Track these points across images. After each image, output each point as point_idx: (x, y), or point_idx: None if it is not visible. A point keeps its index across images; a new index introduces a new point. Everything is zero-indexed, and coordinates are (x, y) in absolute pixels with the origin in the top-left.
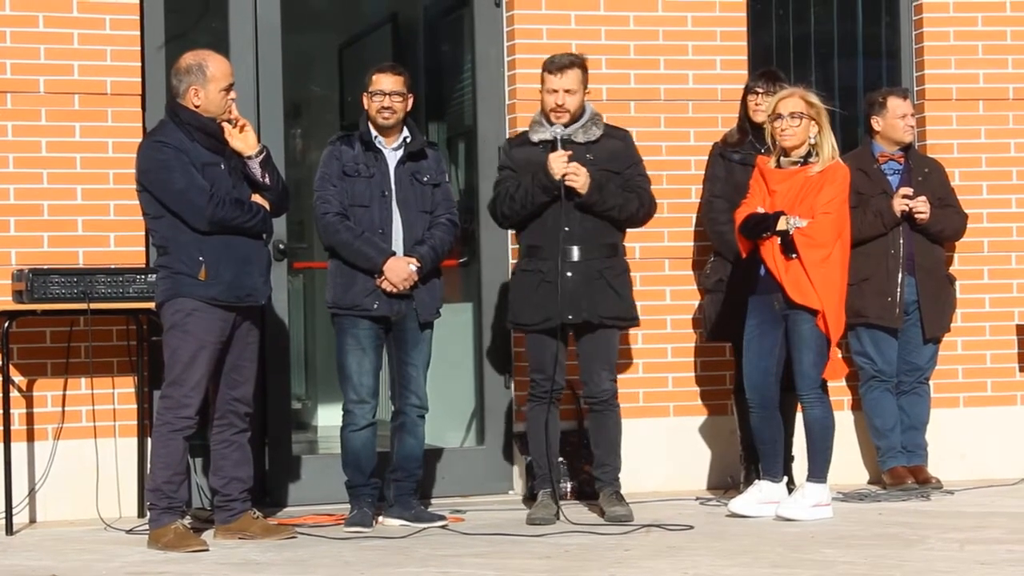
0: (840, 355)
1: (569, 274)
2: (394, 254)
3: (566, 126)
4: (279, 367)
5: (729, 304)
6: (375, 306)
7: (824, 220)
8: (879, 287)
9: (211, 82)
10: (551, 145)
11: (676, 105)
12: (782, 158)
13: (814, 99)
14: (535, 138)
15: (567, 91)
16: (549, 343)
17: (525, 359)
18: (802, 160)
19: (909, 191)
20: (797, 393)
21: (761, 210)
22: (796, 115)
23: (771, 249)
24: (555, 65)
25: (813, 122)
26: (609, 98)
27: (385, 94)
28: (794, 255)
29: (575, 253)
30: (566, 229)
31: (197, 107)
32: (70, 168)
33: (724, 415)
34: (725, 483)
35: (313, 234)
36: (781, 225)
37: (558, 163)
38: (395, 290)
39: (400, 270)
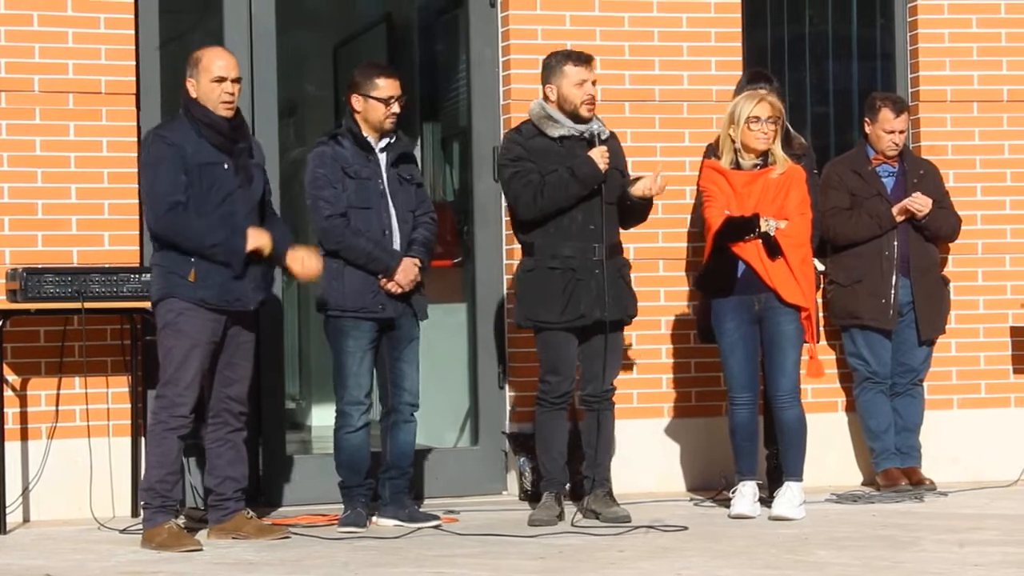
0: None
1: (596, 271)
2: (402, 256)
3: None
4: (273, 367)
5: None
6: (381, 308)
7: (803, 221)
8: (873, 288)
9: (203, 73)
10: (590, 141)
11: (671, 106)
12: (740, 160)
13: (779, 103)
14: (554, 133)
15: (594, 82)
16: (566, 342)
17: (520, 359)
18: (761, 163)
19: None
20: (776, 393)
21: (728, 212)
22: (773, 119)
23: (755, 251)
24: (583, 58)
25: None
26: (604, 99)
27: (396, 99)
28: (779, 255)
29: (599, 251)
30: (591, 227)
31: (195, 99)
32: (64, 167)
33: (718, 416)
34: (719, 484)
35: (306, 235)
36: (761, 227)
37: (604, 158)
38: (400, 291)
39: (410, 271)
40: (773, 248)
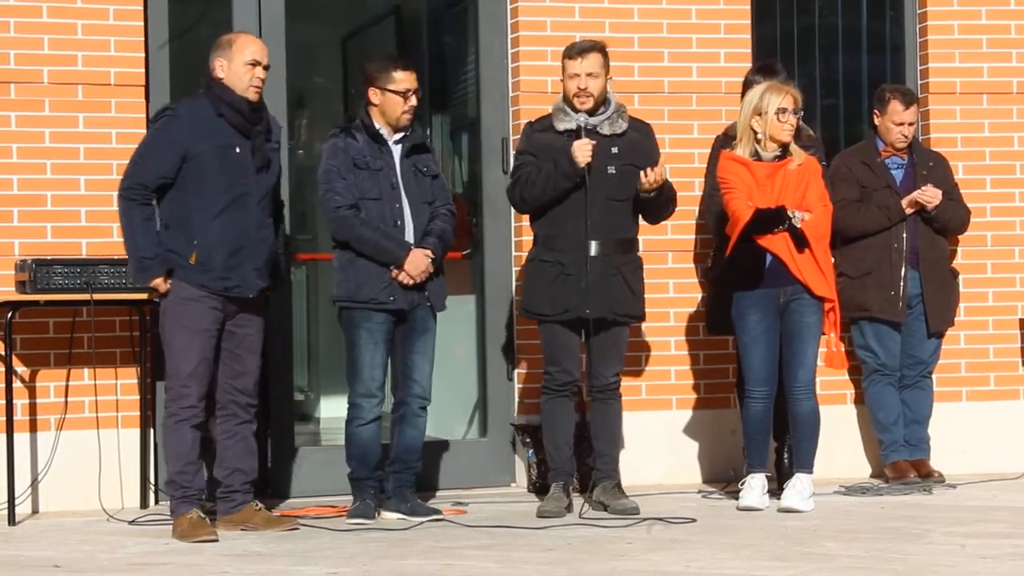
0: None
1: (587, 268)
2: (411, 247)
3: (591, 114)
4: (282, 359)
5: (726, 298)
6: (392, 299)
7: (825, 213)
8: (882, 281)
9: (236, 55)
10: (575, 133)
11: (680, 98)
12: (761, 152)
13: (799, 95)
14: (560, 127)
15: (589, 75)
16: (565, 335)
17: (528, 351)
18: (780, 154)
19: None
20: (793, 384)
21: (751, 204)
22: (794, 111)
23: (784, 244)
24: (575, 50)
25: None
26: (613, 91)
27: (413, 92)
28: (806, 248)
29: (593, 247)
30: (587, 222)
31: (221, 79)
32: (73, 159)
33: (726, 408)
34: (727, 476)
35: (316, 225)
36: (792, 219)
37: (582, 151)
38: (411, 282)
39: (419, 262)
40: (800, 241)
